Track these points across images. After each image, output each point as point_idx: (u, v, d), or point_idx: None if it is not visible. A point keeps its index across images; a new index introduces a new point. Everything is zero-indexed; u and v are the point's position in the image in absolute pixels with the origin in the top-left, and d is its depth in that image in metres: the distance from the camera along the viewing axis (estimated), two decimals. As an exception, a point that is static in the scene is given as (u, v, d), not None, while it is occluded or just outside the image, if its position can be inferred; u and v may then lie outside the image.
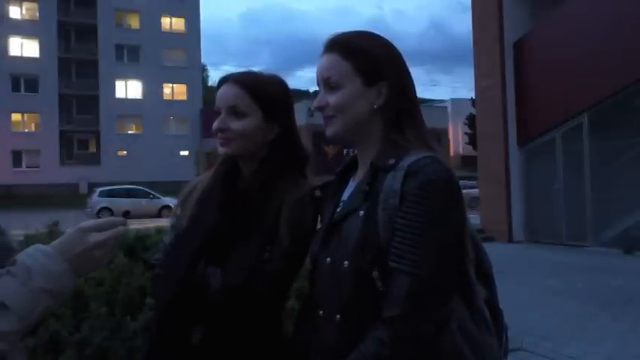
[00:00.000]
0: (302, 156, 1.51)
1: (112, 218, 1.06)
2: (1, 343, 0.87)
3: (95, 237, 1.00)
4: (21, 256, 0.95)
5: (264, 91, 1.43)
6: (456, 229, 1.11)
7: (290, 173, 1.44)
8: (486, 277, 1.24)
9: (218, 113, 1.44)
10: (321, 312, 1.21)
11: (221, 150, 1.44)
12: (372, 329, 1.07)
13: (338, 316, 1.15)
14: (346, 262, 1.15)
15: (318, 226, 1.34)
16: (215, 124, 1.42)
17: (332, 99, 1.23)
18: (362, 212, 1.15)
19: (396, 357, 1.04)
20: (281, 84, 1.49)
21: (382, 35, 1.28)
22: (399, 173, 1.12)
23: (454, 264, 1.10)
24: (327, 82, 1.24)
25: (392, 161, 1.15)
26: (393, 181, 1.12)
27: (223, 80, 1.47)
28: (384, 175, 1.15)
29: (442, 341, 1.08)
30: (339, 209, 1.24)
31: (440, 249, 1.07)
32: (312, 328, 1.23)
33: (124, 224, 1.06)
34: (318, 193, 1.37)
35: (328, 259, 1.20)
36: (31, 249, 0.97)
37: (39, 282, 0.92)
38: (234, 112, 1.41)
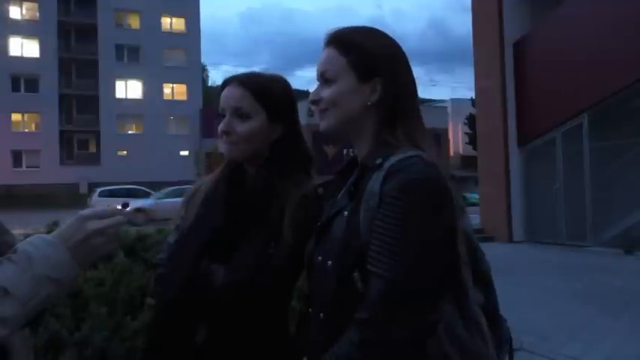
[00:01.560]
0: (306, 155, 1.52)
1: (112, 207, 1.07)
2: (3, 328, 0.88)
3: (94, 224, 1.00)
4: (22, 245, 0.96)
5: (267, 92, 1.44)
6: (437, 232, 1.07)
7: (294, 173, 1.45)
8: (484, 281, 1.22)
9: (222, 115, 1.44)
10: (310, 310, 1.23)
11: (226, 154, 1.45)
12: (346, 330, 1.06)
13: (322, 315, 1.16)
14: (330, 262, 1.15)
15: None
16: (220, 127, 1.43)
17: (325, 93, 1.23)
18: (346, 212, 1.15)
19: (365, 359, 1.03)
20: (284, 84, 1.50)
21: (384, 32, 1.27)
22: (381, 173, 1.11)
23: (435, 268, 1.06)
24: (322, 76, 1.25)
25: (379, 161, 1.14)
26: (374, 182, 1.11)
27: (227, 82, 1.48)
28: (370, 175, 1.14)
29: (429, 346, 1.05)
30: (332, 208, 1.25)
31: (417, 252, 1.04)
32: (304, 327, 1.25)
33: (124, 214, 1.06)
34: (321, 191, 1.37)
35: (319, 258, 1.21)
36: (32, 237, 0.98)
37: (40, 269, 0.93)
38: (239, 113, 1.42)
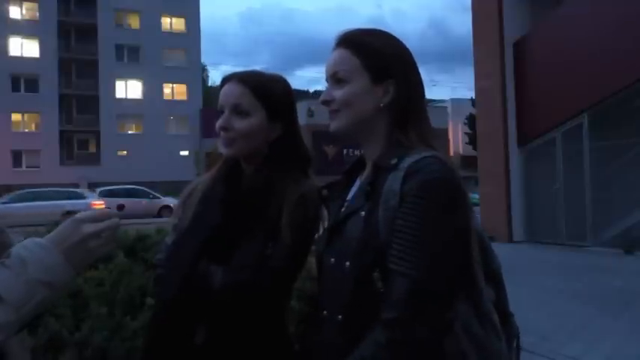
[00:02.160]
0: (304, 155, 1.51)
1: (106, 210, 1.07)
2: None
3: (89, 228, 0.99)
4: (16, 249, 0.95)
5: (267, 90, 1.44)
6: (456, 231, 1.08)
7: (292, 172, 1.44)
8: (495, 279, 1.23)
9: (221, 112, 1.44)
10: (325, 312, 1.21)
11: (223, 150, 1.44)
12: (370, 331, 1.06)
13: (340, 317, 1.15)
14: (347, 263, 1.14)
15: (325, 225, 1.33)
16: (218, 123, 1.42)
17: (338, 93, 1.23)
18: (363, 213, 1.15)
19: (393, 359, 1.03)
20: (284, 83, 1.50)
21: (393, 34, 1.27)
22: (399, 173, 1.11)
23: (455, 266, 1.08)
24: (334, 77, 1.24)
25: (394, 161, 1.14)
26: (393, 182, 1.11)
27: (227, 79, 1.47)
28: (385, 175, 1.14)
29: (446, 344, 1.07)
30: (343, 209, 1.24)
31: (438, 251, 1.05)
32: (316, 329, 1.23)
33: (119, 216, 1.06)
34: (325, 192, 1.36)
35: (332, 260, 1.20)
36: (26, 241, 0.97)
37: (34, 273, 0.92)
38: (238, 110, 1.41)
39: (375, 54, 1.21)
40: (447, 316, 1.06)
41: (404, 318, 1.03)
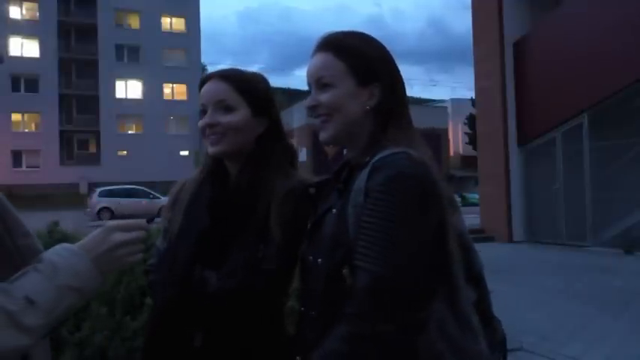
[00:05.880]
0: (291, 150, 1.51)
1: (137, 220, 1.10)
2: (27, 337, 0.89)
3: (119, 237, 1.03)
4: (47, 254, 0.97)
5: (249, 85, 1.43)
6: (422, 226, 1.06)
7: (279, 165, 1.44)
8: (477, 279, 1.21)
9: (204, 112, 1.42)
10: (302, 309, 1.23)
11: (211, 149, 1.41)
12: (335, 325, 1.06)
13: (313, 313, 1.17)
14: (320, 260, 1.16)
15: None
16: (203, 120, 1.40)
17: (324, 98, 1.21)
18: (334, 210, 1.16)
19: (355, 354, 1.02)
20: (264, 79, 1.50)
21: (374, 36, 1.27)
22: (367, 170, 1.11)
23: (423, 264, 1.05)
24: (319, 82, 1.23)
25: (367, 159, 1.14)
26: (361, 179, 1.12)
27: (207, 77, 1.46)
28: (358, 173, 1.15)
29: (420, 344, 1.05)
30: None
31: (403, 247, 1.03)
32: (296, 326, 1.25)
33: (148, 229, 1.10)
34: (312, 190, 1.35)
35: (310, 257, 1.21)
36: (58, 247, 0.99)
37: (64, 279, 0.94)
38: (223, 106, 1.40)
39: (360, 57, 1.20)
40: (419, 315, 1.05)
41: (364, 313, 1.02)
